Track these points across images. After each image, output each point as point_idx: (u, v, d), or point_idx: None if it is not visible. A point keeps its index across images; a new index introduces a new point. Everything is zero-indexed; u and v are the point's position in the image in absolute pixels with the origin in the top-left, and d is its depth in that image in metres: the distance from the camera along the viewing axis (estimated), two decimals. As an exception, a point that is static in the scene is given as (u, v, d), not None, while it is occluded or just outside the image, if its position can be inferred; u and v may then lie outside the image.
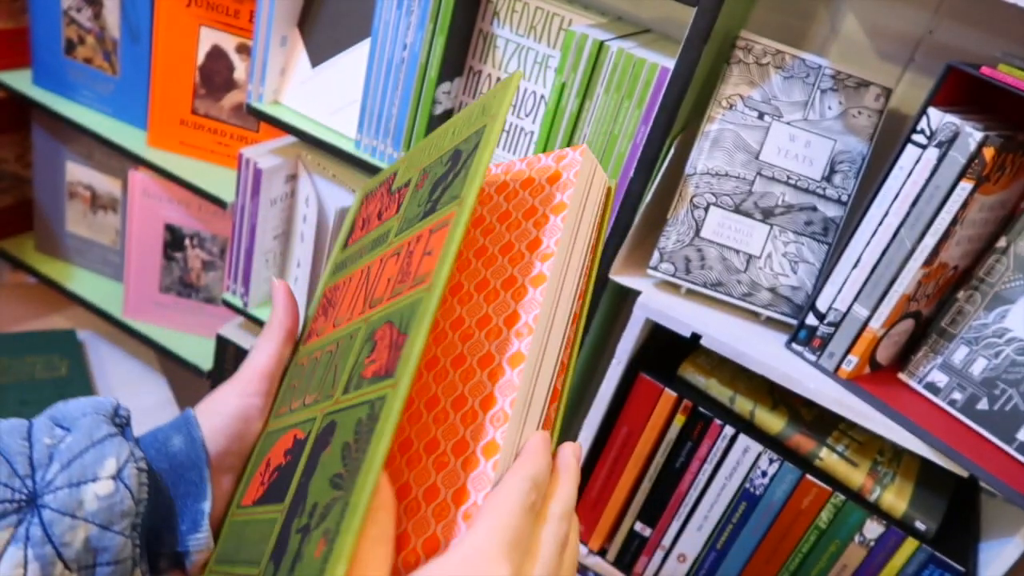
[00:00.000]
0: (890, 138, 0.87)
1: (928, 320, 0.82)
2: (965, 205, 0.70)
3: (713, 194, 0.82)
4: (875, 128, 0.82)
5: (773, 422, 0.85)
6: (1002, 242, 0.75)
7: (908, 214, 0.73)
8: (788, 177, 0.82)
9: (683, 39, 0.74)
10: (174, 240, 1.23)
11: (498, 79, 0.94)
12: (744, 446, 0.84)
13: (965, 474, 0.74)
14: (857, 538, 0.82)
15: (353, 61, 0.97)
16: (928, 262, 0.73)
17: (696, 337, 0.81)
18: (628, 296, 1.03)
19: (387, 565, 0.30)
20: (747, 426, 0.86)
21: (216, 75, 1.12)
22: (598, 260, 0.42)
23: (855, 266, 0.77)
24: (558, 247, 0.38)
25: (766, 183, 0.82)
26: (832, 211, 0.83)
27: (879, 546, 0.81)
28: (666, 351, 0.92)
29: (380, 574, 0.29)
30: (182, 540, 0.41)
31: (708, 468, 0.87)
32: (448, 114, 0.96)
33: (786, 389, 0.87)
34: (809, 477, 0.82)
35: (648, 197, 0.83)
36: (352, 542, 0.27)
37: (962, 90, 0.74)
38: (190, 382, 1.45)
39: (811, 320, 0.80)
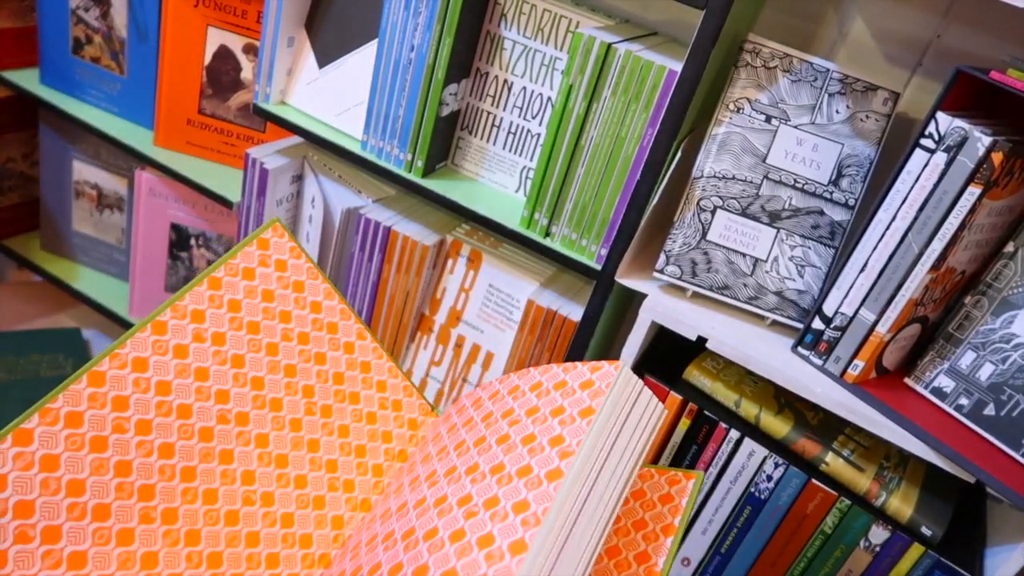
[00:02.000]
0: (898, 142, 0.87)
1: (935, 325, 0.82)
2: (973, 210, 0.70)
3: (720, 197, 0.82)
4: (883, 132, 0.82)
5: (779, 426, 0.85)
6: (1010, 247, 0.75)
7: (916, 219, 0.73)
8: (795, 181, 0.82)
9: (691, 42, 0.74)
10: (180, 240, 1.23)
11: (505, 81, 0.94)
12: (749, 450, 0.84)
13: (972, 480, 0.74)
14: (863, 543, 0.82)
15: (360, 62, 0.97)
16: (935, 267, 0.73)
17: (702, 340, 0.81)
18: (634, 299, 1.03)
19: None
20: (752, 430, 0.85)
21: (223, 75, 1.12)
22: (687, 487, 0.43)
23: (862, 270, 0.76)
24: (579, 447, 0.39)
25: (773, 186, 0.82)
26: (839, 215, 0.83)
27: (885, 551, 0.81)
28: (671, 354, 0.92)
29: None
30: None
31: (713, 472, 0.87)
32: (455, 116, 0.96)
33: (792, 393, 0.87)
34: (815, 481, 0.82)
35: (655, 200, 0.83)
36: None
37: (971, 94, 0.74)
38: (194, 381, 1.45)
39: (817, 324, 0.80)
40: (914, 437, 0.75)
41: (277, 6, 0.95)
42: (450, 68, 0.89)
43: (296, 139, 1.11)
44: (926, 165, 0.72)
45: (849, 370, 0.79)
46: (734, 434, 0.84)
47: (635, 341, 0.85)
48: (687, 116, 0.79)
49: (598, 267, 0.87)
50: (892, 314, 0.75)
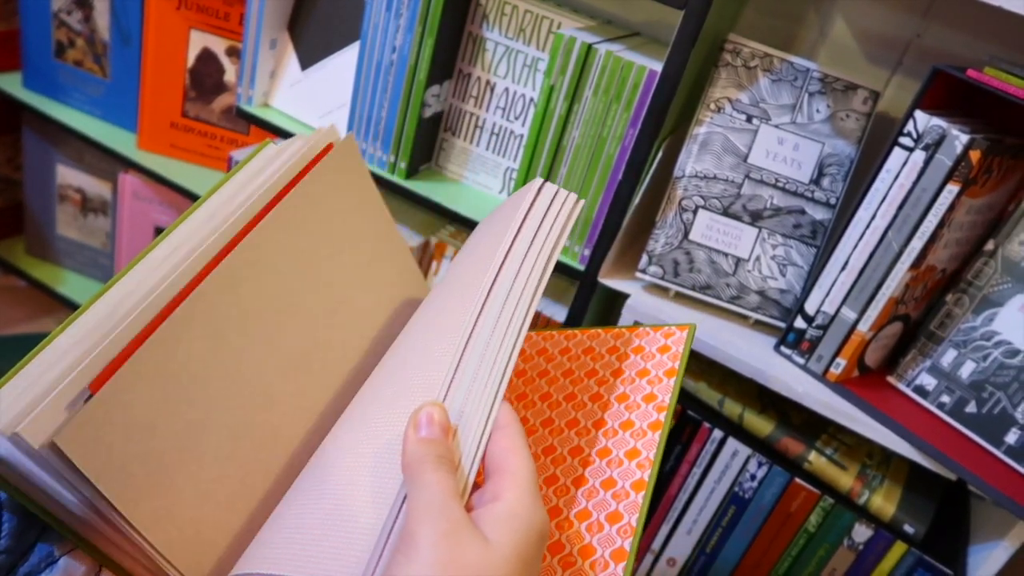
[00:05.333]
0: (878, 141, 0.87)
1: (916, 323, 0.82)
2: (952, 208, 0.70)
3: (702, 197, 0.82)
4: (863, 131, 0.82)
5: (762, 425, 0.85)
6: (990, 245, 0.75)
7: (895, 217, 0.73)
8: (776, 180, 0.82)
9: (671, 42, 0.74)
10: (164, 243, 1.23)
11: (487, 82, 0.94)
12: (733, 449, 0.84)
13: (954, 477, 0.74)
14: (846, 541, 0.82)
15: (343, 64, 0.97)
16: (916, 265, 0.73)
17: (685, 340, 0.81)
18: (617, 299, 1.03)
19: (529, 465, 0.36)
20: (736, 429, 0.86)
21: (206, 78, 1.12)
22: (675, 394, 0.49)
23: (843, 269, 0.77)
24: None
25: (754, 186, 0.82)
26: (820, 214, 0.83)
27: (868, 549, 0.81)
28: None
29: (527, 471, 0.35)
30: None
31: (697, 471, 0.87)
32: (438, 117, 0.96)
33: (775, 392, 0.87)
34: (798, 480, 0.82)
35: (636, 200, 0.83)
36: None
37: (949, 93, 0.74)
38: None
39: (799, 323, 0.80)
40: (896, 435, 0.75)
41: (259, 8, 0.95)
42: (432, 69, 0.89)
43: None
44: (905, 163, 0.72)
45: (831, 369, 0.79)
46: (718, 434, 0.84)
47: (618, 341, 0.85)
48: (668, 116, 0.79)
49: (581, 268, 0.87)
50: (873, 312, 0.76)
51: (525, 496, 0.34)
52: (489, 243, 0.45)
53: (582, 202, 0.47)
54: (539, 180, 0.47)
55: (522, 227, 0.44)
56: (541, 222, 0.44)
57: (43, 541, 0.39)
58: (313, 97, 1.00)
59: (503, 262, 0.42)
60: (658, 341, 0.51)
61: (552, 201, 0.46)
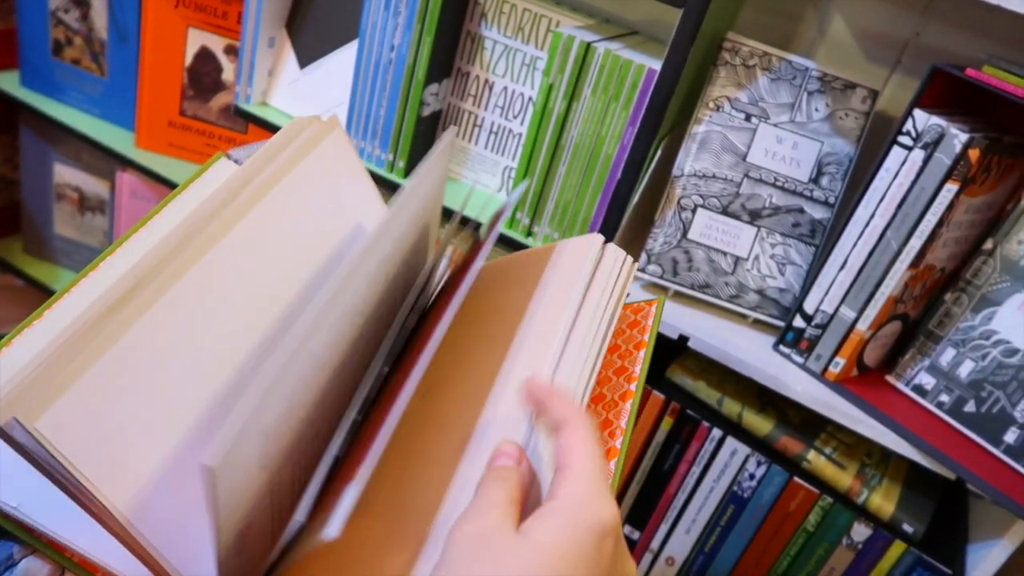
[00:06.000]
0: (877, 140, 0.87)
1: (915, 322, 0.82)
2: (951, 207, 0.70)
3: (700, 196, 0.82)
4: (862, 130, 0.82)
5: (761, 424, 0.85)
6: (989, 244, 0.75)
7: (894, 216, 0.73)
8: (775, 179, 0.82)
9: (670, 41, 0.74)
10: (162, 242, 1.22)
11: (486, 81, 0.93)
12: (732, 448, 0.84)
13: (953, 476, 0.74)
14: (845, 541, 0.82)
15: (341, 62, 0.97)
16: (915, 264, 0.73)
17: (684, 339, 0.81)
18: (617, 298, 1.03)
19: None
20: (735, 428, 0.85)
21: (204, 76, 1.11)
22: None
23: (842, 268, 0.76)
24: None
25: (753, 185, 0.82)
26: (819, 213, 0.83)
27: (867, 549, 0.81)
28: (654, 353, 0.92)
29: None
30: None
31: (696, 471, 0.87)
32: (436, 116, 0.96)
33: (774, 391, 0.87)
34: (797, 479, 0.82)
35: (635, 199, 0.83)
36: None
37: (948, 92, 0.74)
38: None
39: (798, 322, 0.80)
40: (895, 434, 0.75)
41: (257, 6, 0.94)
42: (430, 68, 0.89)
43: (278, 140, 1.10)
44: (904, 162, 0.72)
45: (830, 368, 0.79)
46: (717, 433, 0.84)
47: (617, 340, 0.85)
48: (667, 115, 0.79)
49: (580, 267, 0.87)
50: (872, 311, 0.75)
51: (576, 491, 0.34)
52: (555, 297, 0.48)
53: (636, 263, 0.51)
54: (599, 237, 0.50)
55: (590, 287, 0.48)
56: (607, 285, 0.49)
57: (2, 542, 0.39)
58: (311, 95, 1.00)
59: (576, 317, 0.46)
60: (628, 317, 0.53)
61: (615, 264, 0.50)
